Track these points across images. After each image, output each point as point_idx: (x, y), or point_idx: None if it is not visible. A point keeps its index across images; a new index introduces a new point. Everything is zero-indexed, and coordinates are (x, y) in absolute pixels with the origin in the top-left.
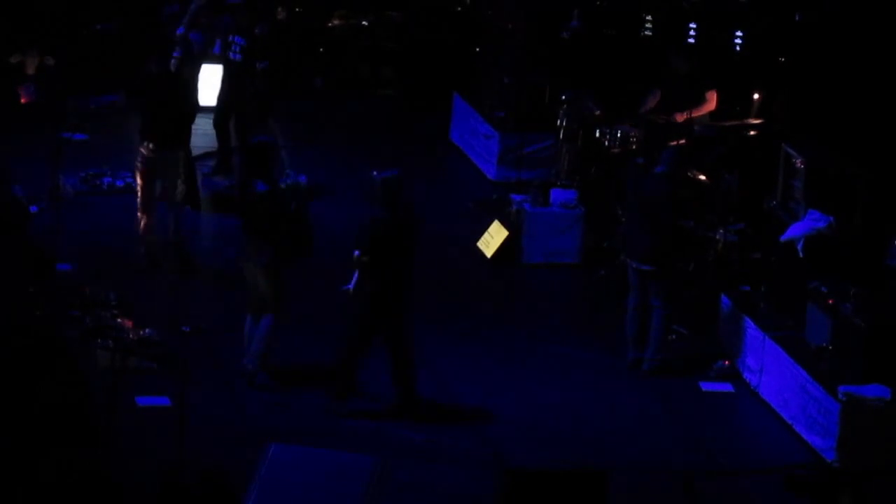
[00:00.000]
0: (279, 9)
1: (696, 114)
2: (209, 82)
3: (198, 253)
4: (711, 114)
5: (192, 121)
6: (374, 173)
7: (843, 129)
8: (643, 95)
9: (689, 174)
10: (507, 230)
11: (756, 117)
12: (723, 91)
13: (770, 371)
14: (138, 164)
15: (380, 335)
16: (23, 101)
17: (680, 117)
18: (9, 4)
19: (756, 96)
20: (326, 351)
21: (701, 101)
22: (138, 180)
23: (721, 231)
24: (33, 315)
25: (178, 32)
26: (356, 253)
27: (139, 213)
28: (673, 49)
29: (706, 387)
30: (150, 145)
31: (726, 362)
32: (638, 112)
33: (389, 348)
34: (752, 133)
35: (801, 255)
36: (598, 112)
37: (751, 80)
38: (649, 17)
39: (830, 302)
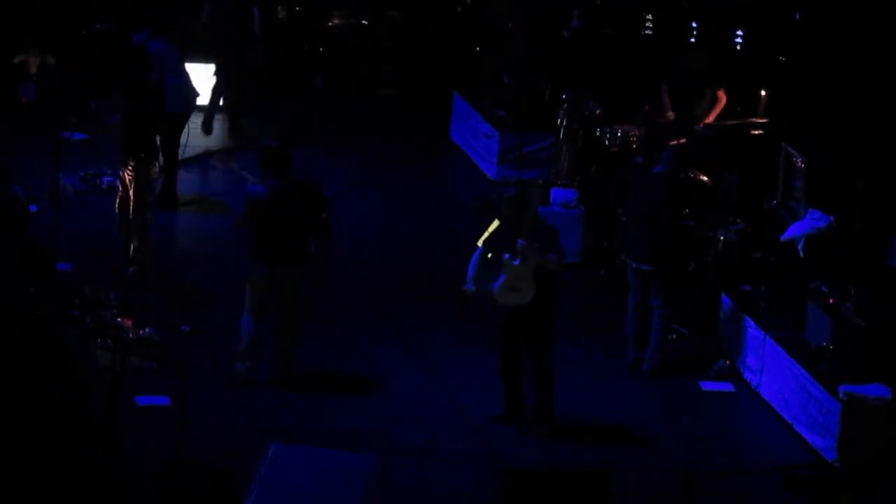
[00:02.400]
0: (279, 8)
1: (715, 114)
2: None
3: (198, 254)
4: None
5: (159, 129)
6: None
7: (843, 128)
8: (652, 92)
9: (690, 174)
10: None
11: (757, 117)
12: (726, 89)
13: (770, 371)
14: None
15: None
16: (23, 101)
17: (709, 119)
18: (9, 4)
19: (760, 95)
20: (326, 351)
21: (715, 100)
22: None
23: (721, 231)
24: (33, 315)
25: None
26: (551, 256)
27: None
28: (687, 47)
29: (706, 387)
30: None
31: (727, 362)
32: (651, 106)
33: (542, 360)
34: (753, 132)
35: (801, 254)
36: (598, 112)
37: (752, 79)
38: (649, 17)
39: (831, 301)
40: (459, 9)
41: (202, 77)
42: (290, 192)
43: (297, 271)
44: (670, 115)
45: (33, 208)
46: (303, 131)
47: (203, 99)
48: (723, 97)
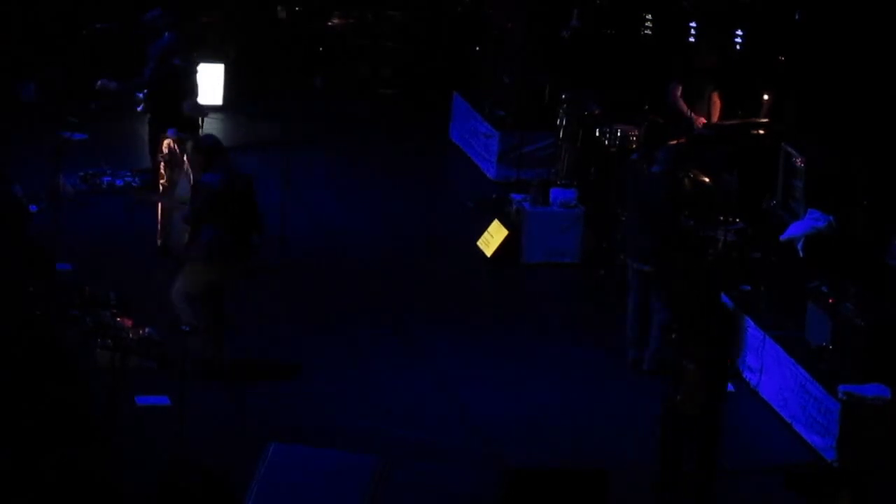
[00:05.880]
0: (279, 8)
1: (717, 115)
2: (211, 81)
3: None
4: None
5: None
6: None
7: (843, 127)
8: (658, 91)
9: (690, 174)
10: (507, 229)
11: (758, 117)
12: (725, 91)
13: (770, 370)
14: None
15: None
16: (23, 101)
17: (714, 120)
18: (9, 5)
19: (762, 97)
20: (326, 351)
21: (712, 101)
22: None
23: (721, 231)
24: (33, 315)
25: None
26: None
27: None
28: (698, 46)
29: None
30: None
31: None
32: (652, 105)
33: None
34: (752, 133)
35: (801, 254)
36: (598, 112)
37: (752, 79)
38: (649, 17)
39: (830, 301)
40: (459, 9)
41: (203, 76)
42: (236, 183)
43: (250, 255)
44: (701, 119)
45: (33, 208)
46: (303, 132)
47: (202, 98)
48: (717, 99)
